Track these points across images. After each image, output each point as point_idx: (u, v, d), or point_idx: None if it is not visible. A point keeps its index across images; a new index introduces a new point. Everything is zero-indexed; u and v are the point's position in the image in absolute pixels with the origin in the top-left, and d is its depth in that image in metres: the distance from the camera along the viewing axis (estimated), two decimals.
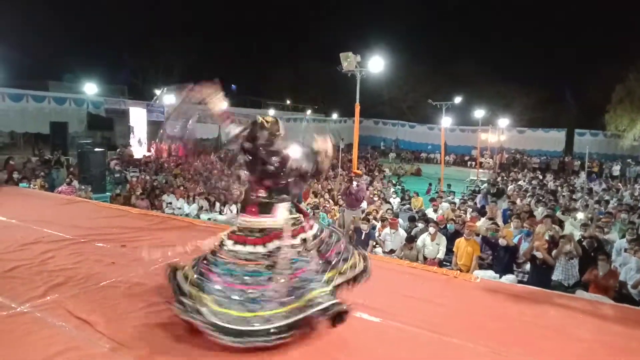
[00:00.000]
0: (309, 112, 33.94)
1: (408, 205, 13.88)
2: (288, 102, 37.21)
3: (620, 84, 25.83)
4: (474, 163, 27.39)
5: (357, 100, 9.79)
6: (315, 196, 12.20)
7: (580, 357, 2.84)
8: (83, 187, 10.87)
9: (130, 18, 31.28)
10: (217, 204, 11.61)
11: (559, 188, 16.58)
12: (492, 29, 38.22)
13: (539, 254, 6.40)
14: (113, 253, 4.34)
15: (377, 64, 9.77)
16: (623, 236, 8.25)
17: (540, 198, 12.51)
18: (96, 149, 13.98)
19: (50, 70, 26.61)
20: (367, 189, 14.34)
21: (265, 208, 2.89)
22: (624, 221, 9.58)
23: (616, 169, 24.39)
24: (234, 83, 39.34)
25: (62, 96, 20.59)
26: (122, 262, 4.08)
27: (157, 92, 27.60)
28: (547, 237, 7.00)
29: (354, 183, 9.11)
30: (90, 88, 21.34)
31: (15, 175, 11.26)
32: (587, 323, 3.36)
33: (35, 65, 26.14)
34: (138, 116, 21.53)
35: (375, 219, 9.21)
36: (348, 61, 9.37)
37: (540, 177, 21.77)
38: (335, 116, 34.32)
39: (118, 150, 19.15)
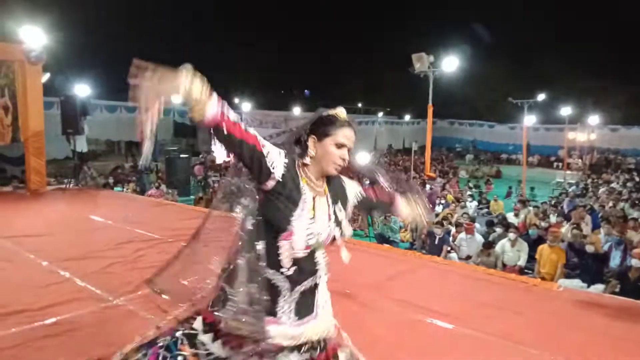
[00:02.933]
0: (380, 114, 33.72)
1: (486, 209, 13.30)
2: (360, 105, 37.27)
3: None
4: (560, 164, 25.50)
5: (430, 101, 9.59)
6: None
7: None
8: (170, 190, 11.71)
9: (211, 31, 33.19)
10: None
11: None
12: (580, 20, 35.46)
13: (636, 263, 5.84)
14: (196, 252, 4.65)
15: (451, 64, 9.50)
16: None
17: (636, 202, 11.39)
18: (181, 155, 14.97)
19: None
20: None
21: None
22: None
23: None
24: (307, 89, 40.30)
25: None
26: (205, 261, 4.36)
27: (236, 100, 29.05)
28: None
29: (427, 186, 8.92)
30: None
31: (110, 180, 12.40)
32: None
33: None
34: None
35: (450, 223, 8.94)
36: (421, 62, 9.22)
37: (637, 179, 19.76)
38: (408, 118, 33.78)
39: (200, 155, 20.35)
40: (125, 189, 11.89)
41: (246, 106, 25.57)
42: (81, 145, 9.19)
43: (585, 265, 6.58)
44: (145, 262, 4.30)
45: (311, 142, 1.50)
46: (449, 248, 7.84)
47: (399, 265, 4.47)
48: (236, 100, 29.07)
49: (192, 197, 13.11)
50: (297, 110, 27.28)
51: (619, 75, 29.38)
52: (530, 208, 10.34)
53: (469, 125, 34.77)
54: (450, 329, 3.06)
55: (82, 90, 10.11)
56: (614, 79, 29.48)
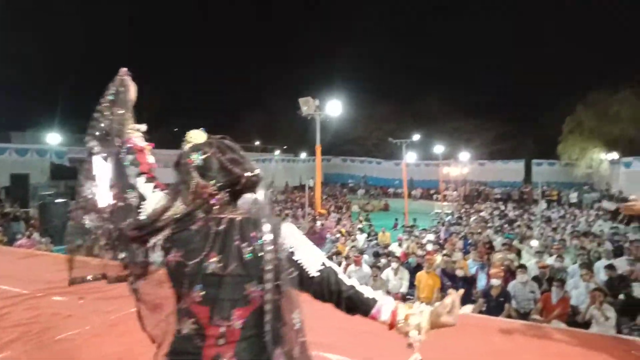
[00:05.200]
0: (277, 152, 34.40)
1: (375, 241, 14.12)
2: (257, 143, 37.70)
3: (570, 115, 27.48)
4: (439, 196, 28.11)
5: (318, 142, 10.14)
6: None
7: None
8: (43, 239, 10.63)
9: (95, 64, 31.50)
10: None
11: (519, 218, 17.22)
12: (452, 69, 40.57)
13: (495, 282, 6.67)
14: (70, 306, 4.33)
15: (335, 108, 10.22)
16: (576, 262, 8.65)
17: (498, 228, 13.00)
18: (58, 200, 13.74)
19: (12, 121, 26.33)
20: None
21: None
22: (577, 247, 10.06)
23: (573, 196, 25.47)
24: (202, 126, 39.77)
25: (23, 147, 20.38)
26: (80, 315, 4.08)
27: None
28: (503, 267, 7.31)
29: (318, 222, 9.30)
30: (54, 138, 21.16)
31: None
32: (529, 348, 3.56)
33: None
34: (102, 164, 21.38)
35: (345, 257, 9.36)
36: (307, 105, 9.78)
37: (502, 207, 22.54)
38: (304, 155, 34.85)
39: (81, 199, 18.83)
40: None
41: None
42: None
43: (457, 288, 7.27)
44: (10, 320, 3.90)
45: None
46: None
47: None
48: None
49: None
50: None
51: (485, 116, 33.79)
52: (411, 238, 11.28)
53: (359, 162, 36.94)
54: (326, 357, 3.26)
55: None
56: (481, 119, 33.78)
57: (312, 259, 1.36)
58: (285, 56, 47.10)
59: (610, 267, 7.50)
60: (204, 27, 46.83)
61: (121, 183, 1.49)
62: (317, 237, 9.21)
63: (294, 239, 1.35)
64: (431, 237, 11.64)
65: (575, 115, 27.33)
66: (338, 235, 13.08)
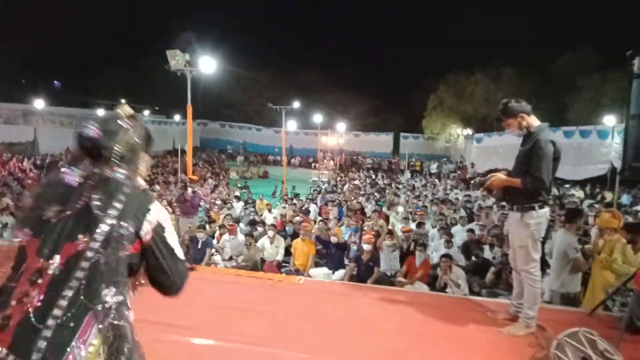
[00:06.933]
0: (147, 112, 31.70)
1: (253, 209, 13.82)
2: (123, 101, 34.22)
3: (433, 93, 29.95)
4: (316, 164, 28.75)
5: (189, 101, 9.31)
6: None
7: (382, 349, 2.99)
8: None
9: None
10: None
11: (388, 186, 18.35)
12: (330, 42, 41.30)
13: (366, 247, 6.86)
14: None
15: (208, 64, 9.43)
16: (435, 227, 9.39)
17: (370, 196, 13.65)
18: None
19: None
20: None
21: None
22: (436, 213, 10.96)
23: (433, 167, 28.09)
24: (57, 79, 34.79)
25: None
26: None
27: None
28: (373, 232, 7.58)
29: (189, 189, 8.64)
30: None
31: None
32: (394, 314, 3.61)
33: None
34: None
35: (219, 226, 8.90)
36: (176, 59, 8.85)
37: (373, 176, 23.88)
38: (177, 118, 32.65)
39: None
40: None
41: None
42: None
43: (330, 254, 7.43)
44: None
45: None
46: (213, 250, 7.76)
47: None
48: None
49: None
50: (40, 103, 23.20)
51: (360, 90, 35.30)
52: (287, 206, 11.22)
53: (239, 128, 35.97)
54: (189, 342, 2.90)
55: None
56: (357, 92, 35.19)
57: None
58: (157, 7, 43.19)
59: (470, 231, 8.29)
60: None
61: None
62: (188, 206, 8.57)
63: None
64: (314, 207, 11.72)
65: (438, 93, 29.84)
66: (217, 202, 12.52)
